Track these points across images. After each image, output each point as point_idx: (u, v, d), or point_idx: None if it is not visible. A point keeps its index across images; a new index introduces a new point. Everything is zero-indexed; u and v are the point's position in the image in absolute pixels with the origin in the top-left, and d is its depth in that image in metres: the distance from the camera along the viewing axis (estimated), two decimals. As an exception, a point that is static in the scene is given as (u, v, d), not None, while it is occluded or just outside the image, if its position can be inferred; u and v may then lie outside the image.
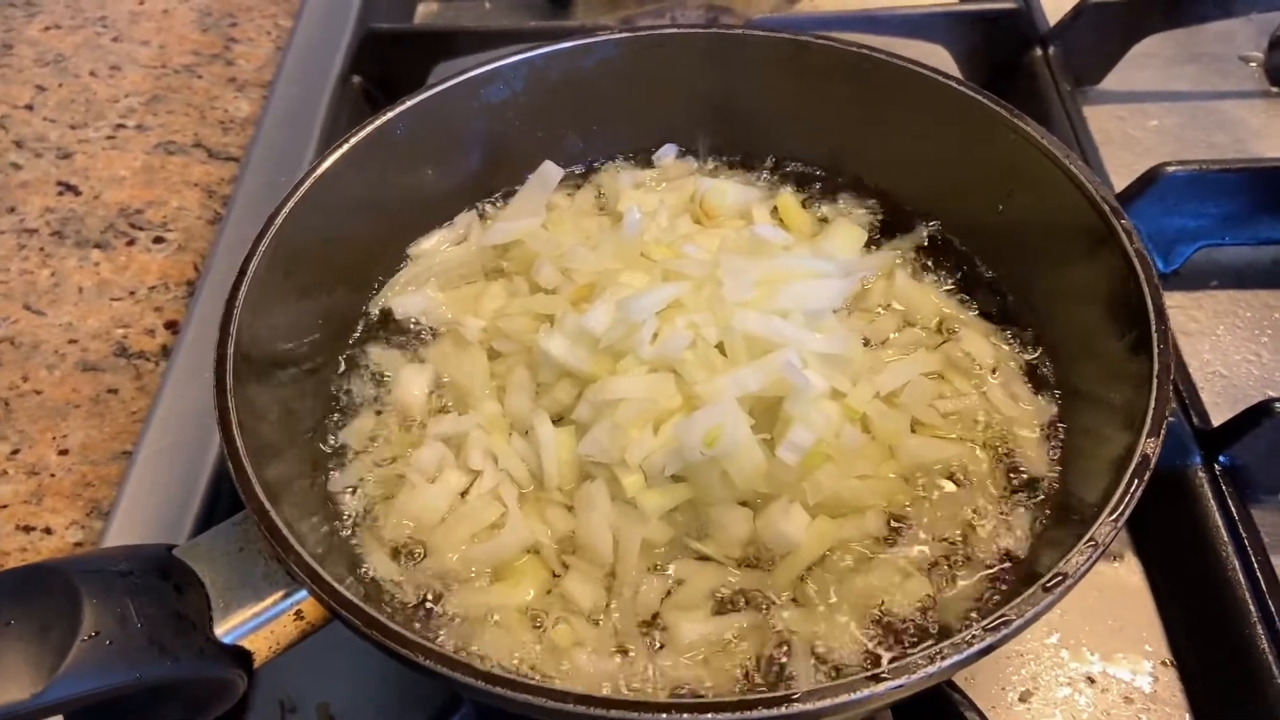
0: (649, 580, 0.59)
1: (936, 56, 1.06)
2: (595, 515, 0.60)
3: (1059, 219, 0.68)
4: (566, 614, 0.59)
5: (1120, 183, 0.86)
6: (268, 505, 0.52)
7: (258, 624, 0.52)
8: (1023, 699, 0.65)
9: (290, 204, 0.66)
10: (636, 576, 0.59)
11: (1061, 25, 1.05)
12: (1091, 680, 0.65)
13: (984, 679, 0.65)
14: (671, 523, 0.60)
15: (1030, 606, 0.48)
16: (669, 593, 0.58)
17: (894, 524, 0.61)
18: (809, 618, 0.56)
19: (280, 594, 0.52)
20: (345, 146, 0.70)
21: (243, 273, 0.63)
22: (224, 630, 0.51)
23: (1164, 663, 0.66)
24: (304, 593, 0.52)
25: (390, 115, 0.73)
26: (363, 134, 0.71)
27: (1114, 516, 0.51)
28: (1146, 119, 1.06)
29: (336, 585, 0.49)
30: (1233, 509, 0.68)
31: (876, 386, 0.64)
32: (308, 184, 0.68)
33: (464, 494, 0.64)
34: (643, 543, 0.59)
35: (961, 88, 0.73)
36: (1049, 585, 0.48)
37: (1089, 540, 0.50)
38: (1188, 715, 0.64)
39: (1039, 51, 1.05)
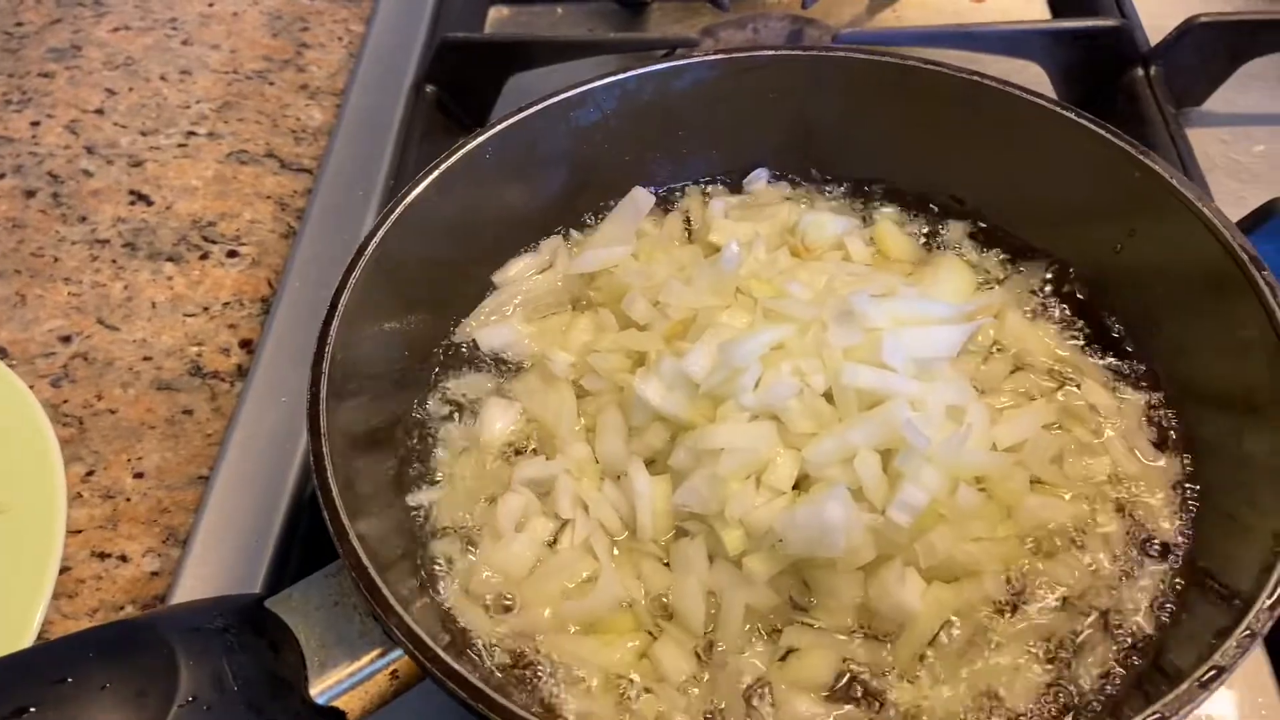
0: (754, 645, 0.56)
1: (1030, 74, 1.01)
2: (691, 579, 0.58)
3: (1186, 264, 0.64)
4: (654, 683, 0.56)
5: (1228, 213, 0.81)
6: (367, 563, 0.49)
7: (352, 684, 0.50)
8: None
9: (382, 230, 0.64)
10: (739, 643, 0.56)
11: (1164, 44, 1.00)
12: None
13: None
14: (776, 587, 0.57)
15: (1184, 703, 0.44)
16: (780, 660, 0.55)
17: (1011, 589, 0.58)
18: (927, 697, 0.53)
19: (376, 653, 0.50)
20: (436, 172, 0.68)
21: (333, 307, 0.61)
22: (319, 691, 0.49)
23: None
24: (400, 652, 0.50)
25: (481, 139, 0.70)
26: (454, 159, 0.69)
27: (1271, 603, 0.47)
28: (1252, 143, 1.01)
29: (439, 651, 0.47)
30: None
31: (993, 440, 0.61)
32: (400, 209, 0.66)
33: (552, 543, 0.62)
34: (746, 608, 0.56)
35: (1082, 120, 0.69)
36: (1204, 680, 0.45)
37: (1245, 631, 0.46)
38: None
39: (1140, 71, 1.00)
